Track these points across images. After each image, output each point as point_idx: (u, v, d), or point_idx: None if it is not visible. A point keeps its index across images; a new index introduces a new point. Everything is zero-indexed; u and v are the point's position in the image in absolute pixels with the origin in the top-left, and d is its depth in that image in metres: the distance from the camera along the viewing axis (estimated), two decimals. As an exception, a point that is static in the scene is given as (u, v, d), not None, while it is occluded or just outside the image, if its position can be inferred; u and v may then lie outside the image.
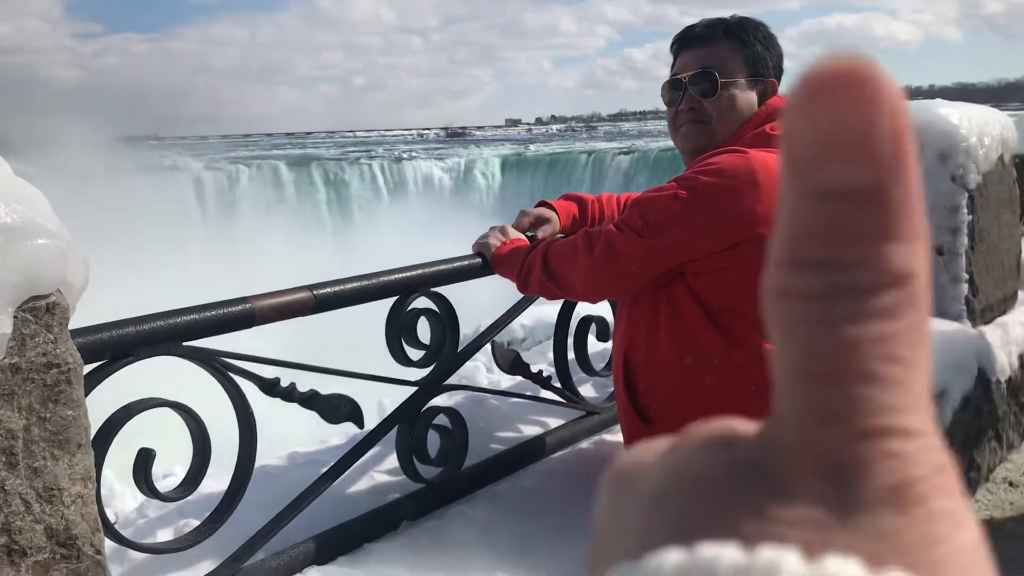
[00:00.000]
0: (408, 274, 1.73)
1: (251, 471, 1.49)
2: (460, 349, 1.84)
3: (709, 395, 1.66)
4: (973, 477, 3.41)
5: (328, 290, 1.58)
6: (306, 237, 26.18)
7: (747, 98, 1.78)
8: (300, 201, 35.24)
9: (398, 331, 1.74)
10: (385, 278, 1.69)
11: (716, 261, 1.64)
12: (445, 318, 1.80)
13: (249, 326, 1.46)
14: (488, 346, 1.96)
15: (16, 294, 0.89)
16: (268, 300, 1.48)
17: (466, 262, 1.85)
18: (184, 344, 1.38)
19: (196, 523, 1.51)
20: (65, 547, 0.95)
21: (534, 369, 2.04)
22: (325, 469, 1.66)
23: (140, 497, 1.90)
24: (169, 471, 3.37)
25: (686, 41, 1.85)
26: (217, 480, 1.56)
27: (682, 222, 1.63)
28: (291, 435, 2.18)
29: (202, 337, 1.41)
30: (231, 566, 1.48)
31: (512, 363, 1.96)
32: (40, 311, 0.93)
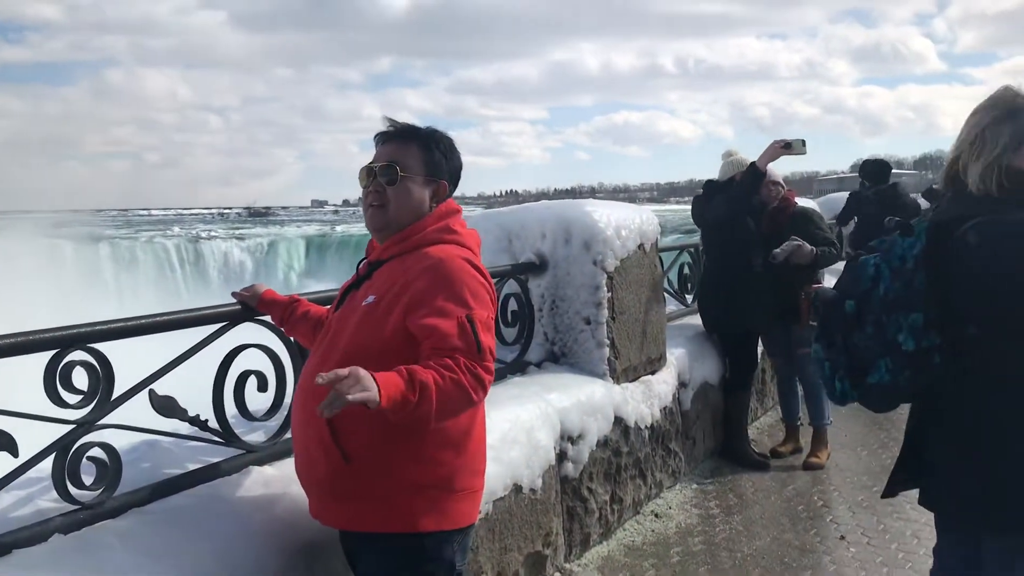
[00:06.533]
0: (64, 333, 2.14)
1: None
2: (115, 397, 2.25)
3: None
4: (616, 508, 4.11)
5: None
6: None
7: (420, 193, 2.17)
8: (84, 283, 33.23)
9: (54, 378, 2.13)
10: (42, 335, 2.09)
11: None
12: (100, 369, 2.22)
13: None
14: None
15: None
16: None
17: (120, 324, 2.27)
18: None
19: None
20: None
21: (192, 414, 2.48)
22: (-17, 491, 2.03)
23: None
24: None
25: (384, 137, 2.22)
26: None
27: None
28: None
29: None
30: None
31: (167, 408, 2.39)
32: None
